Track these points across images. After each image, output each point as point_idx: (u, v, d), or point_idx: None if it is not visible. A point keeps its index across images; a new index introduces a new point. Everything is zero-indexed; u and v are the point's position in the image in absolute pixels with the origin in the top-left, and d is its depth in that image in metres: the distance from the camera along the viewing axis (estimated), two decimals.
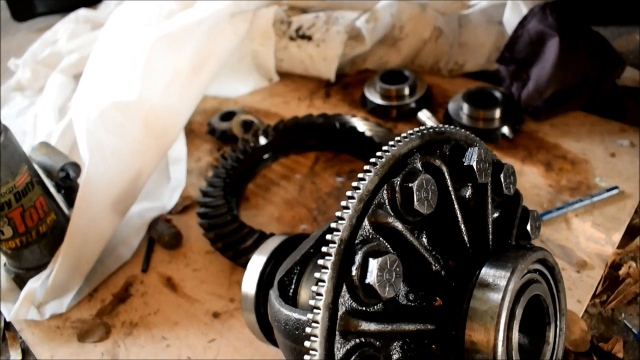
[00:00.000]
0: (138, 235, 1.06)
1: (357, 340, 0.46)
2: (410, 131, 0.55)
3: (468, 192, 0.57)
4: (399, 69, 1.34)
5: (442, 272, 0.52)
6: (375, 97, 1.30)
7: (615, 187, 1.01)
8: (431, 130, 0.56)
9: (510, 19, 1.25)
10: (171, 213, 1.12)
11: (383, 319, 0.47)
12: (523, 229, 0.63)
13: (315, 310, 0.45)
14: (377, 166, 0.50)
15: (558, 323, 0.58)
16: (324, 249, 0.47)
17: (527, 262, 0.51)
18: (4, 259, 1.00)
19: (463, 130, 0.60)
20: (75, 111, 1.05)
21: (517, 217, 0.62)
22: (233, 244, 0.95)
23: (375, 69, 1.42)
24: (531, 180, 1.07)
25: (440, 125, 0.58)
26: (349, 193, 0.49)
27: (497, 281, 0.49)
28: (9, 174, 0.87)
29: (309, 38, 1.37)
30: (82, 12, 1.86)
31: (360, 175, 0.50)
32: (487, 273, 0.50)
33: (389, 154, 0.51)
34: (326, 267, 0.46)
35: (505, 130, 1.15)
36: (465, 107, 1.17)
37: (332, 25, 1.35)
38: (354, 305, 0.47)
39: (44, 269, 0.96)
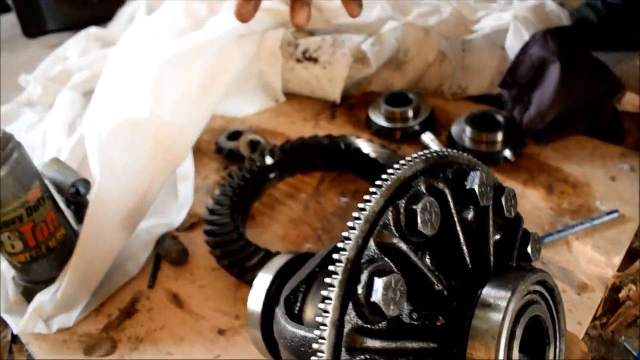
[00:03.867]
0: (146, 251, 1.08)
1: (363, 357, 0.48)
2: (415, 155, 0.57)
3: (470, 215, 0.58)
4: (403, 92, 1.36)
5: (445, 292, 0.53)
6: (380, 119, 1.32)
7: (616, 211, 1.02)
8: (435, 154, 0.58)
9: (513, 45, 1.28)
10: (178, 230, 1.13)
11: (388, 336, 0.49)
12: (524, 251, 0.65)
13: (322, 327, 0.47)
14: (383, 188, 0.52)
15: (558, 344, 0.59)
16: (331, 267, 0.49)
17: (527, 283, 0.53)
18: (12, 272, 1.02)
19: (466, 154, 0.62)
20: (87, 128, 1.07)
21: (518, 240, 0.63)
22: (239, 261, 0.97)
23: (380, 91, 1.44)
24: (533, 203, 1.08)
25: (444, 150, 0.60)
26: (355, 214, 0.51)
27: (498, 302, 0.50)
28: (21, 189, 0.89)
29: (316, 60, 1.39)
30: (93, 30, 1.89)
31: (366, 197, 0.52)
32: (489, 294, 0.52)
33: (395, 177, 0.53)
34: (333, 286, 0.48)
35: (507, 153, 1.17)
36: (469, 130, 1.19)
37: (339, 48, 1.38)
38: (360, 323, 0.48)
39: (52, 283, 0.97)
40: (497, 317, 0.50)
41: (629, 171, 1.12)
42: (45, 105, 1.64)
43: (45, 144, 1.42)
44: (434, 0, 1.48)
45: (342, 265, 0.48)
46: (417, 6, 1.47)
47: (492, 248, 0.58)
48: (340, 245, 0.50)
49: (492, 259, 0.58)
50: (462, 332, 0.51)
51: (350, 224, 0.51)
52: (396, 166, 0.54)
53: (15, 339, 1.00)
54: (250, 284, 0.78)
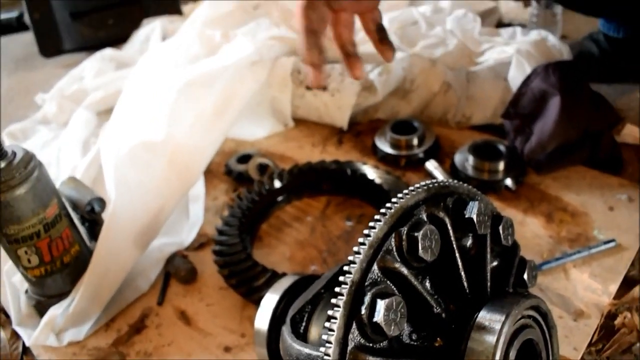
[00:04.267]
0: (156, 268, 1.11)
1: None
2: (417, 185, 0.61)
3: (469, 242, 0.62)
4: (409, 120, 1.39)
5: (443, 315, 0.57)
6: (385, 146, 1.35)
7: (613, 240, 1.05)
8: (436, 184, 0.62)
9: (515, 77, 1.31)
10: (188, 249, 1.16)
11: (388, 355, 0.52)
12: (520, 277, 0.68)
13: (327, 345, 0.50)
14: (387, 216, 0.56)
15: None
16: (336, 289, 0.52)
17: (521, 308, 0.56)
18: (25, 285, 1.05)
19: (466, 184, 0.66)
20: (105, 148, 1.11)
21: (514, 267, 0.67)
22: (246, 281, 1.00)
23: (386, 119, 1.48)
24: (532, 231, 1.11)
25: (445, 180, 0.63)
26: (360, 239, 0.55)
27: (493, 324, 0.54)
28: (40, 205, 0.92)
29: (325, 88, 1.43)
30: (108, 52, 1.94)
31: (371, 223, 0.56)
32: (484, 317, 0.55)
33: (398, 205, 0.57)
34: (338, 306, 0.51)
35: (508, 182, 1.20)
36: (471, 159, 1.23)
37: (347, 77, 1.41)
38: (362, 342, 0.52)
39: (64, 297, 1.00)
40: (491, 339, 0.53)
41: (626, 201, 1.15)
42: (60, 123, 1.68)
43: (59, 161, 1.45)
44: (440, 33, 1.53)
45: (347, 287, 0.52)
46: (423, 38, 1.52)
47: (488, 274, 0.61)
48: (345, 268, 0.53)
49: (488, 284, 0.61)
50: (459, 352, 0.54)
51: (355, 248, 0.54)
52: (399, 195, 0.58)
53: (26, 350, 1.03)
54: (256, 303, 0.81)
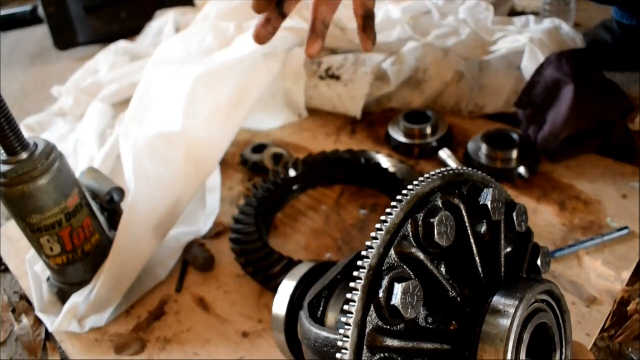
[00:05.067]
0: (174, 257, 1.13)
1: (382, 355, 0.53)
2: (433, 173, 0.62)
3: (483, 229, 0.63)
4: (422, 109, 1.40)
5: (458, 299, 0.58)
6: (399, 136, 1.36)
7: (626, 228, 1.05)
8: (451, 172, 0.63)
9: (528, 66, 1.31)
10: (205, 238, 1.18)
11: (405, 337, 0.54)
12: (534, 263, 0.69)
13: (346, 327, 0.52)
14: (403, 203, 0.57)
15: (563, 350, 0.63)
16: (355, 273, 0.54)
17: (535, 292, 0.57)
18: (47, 274, 1.07)
19: (480, 172, 0.67)
20: (123, 141, 1.13)
21: (528, 253, 0.68)
22: (263, 269, 1.01)
23: (399, 109, 1.49)
24: (546, 219, 1.12)
25: (460, 168, 0.64)
26: (378, 225, 0.56)
27: (507, 309, 0.55)
28: (62, 196, 0.94)
29: (338, 78, 1.44)
30: (122, 45, 1.96)
31: (388, 210, 0.57)
32: (498, 301, 0.56)
33: (414, 192, 0.58)
34: (357, 289, 0.53)
35: (522, 170, 1.20)
36: (484, 148, 1.23)
37: (360, 67, 1.43)
38: (380, 324, 0.53)
39: (85, 285, 1.03)
40: (505, 322, 0.54)
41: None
42: (77, 115, 1.71)
43: (76, 152, 1.48)
44: (453, 23, 1.53)
45: (365, 271, 0.53)
46: (436, 28, 1.52)
47: (503, 260, 0.63)
48: (363, 253, 0.55)
49: (502, 269, 0.62)
50: (473, 336, 0.55)
51: (372, 234, 0.56)
52: (415, 183, 0.59)
53: (48, 337, 1.06)
54: (273, 290, 0.82)
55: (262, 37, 0.94)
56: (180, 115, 1.12)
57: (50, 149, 0.94)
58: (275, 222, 1.22)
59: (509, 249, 0.67)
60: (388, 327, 0.53)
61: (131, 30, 2.21)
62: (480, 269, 0.60)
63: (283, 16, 0.94)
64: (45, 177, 0.91)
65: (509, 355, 0.53)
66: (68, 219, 0.96)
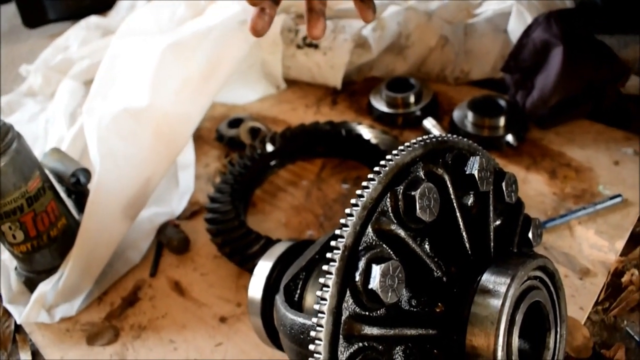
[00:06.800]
0: (147, 239, 1.08)
1: (361, 344, 0.48)
2: (414, 140, 0.56)
3: (470, 200, 0.58)
4: (405, 77, 1.35)
5: (444, 278, 0.53)
6: (381, 105, 1.31)
7: (619, 195, 1.02)
8: (434, 139, 0.57)
9: (515, 28, 1.26)
10: (179, 218, 1.13)
11: (386, 323, 0.49)
12: (525, 236, 0.65)
13: (319, 315, 0.47)
14: (381, 175, 0.52)
15: (558, 329, 0.59)
16: (328, 255, 0.48)
17: (527, 269, 0.52)
18: (15, 262, 1.02)
19: (466, 139, 0.62)
20: (87, 117, 1.07)
21: (518, 225, 0.63)
22: (240, 249, 0.97)
23: (381, 77, 1.43)
24: (535, 188, 1.08)
25: (443, 135, 0.59)
26: (353, 201, 0.51)
27: (498, 287, 0.50)
28: (21, 179, 0.89)
29: (316, 46, 1.38)
30: (93, 19, 1.89)
31: (364, 183, 0.52)
32: (488, 279, 0.52)
33: (393, 162, 0.53)
34: (330, 273, 0.47)
35: (510, 138, 1.16)
36: (470, 115, 1.19)
37: (339, 34, 1.37)
38: (358, 310, 0.48)
39: (54, 272, 0.98)
40: (496, 303, 0.49)
41: (632, 155, 1.11)
42: (47, 94, 1.65)
43: (47, 133, 1.42)
44: None
45: (339, 252, 0.48)
46: None
47: (492, 233, 0.58)
48: (337, 232, 0.49)
49: (492, 244, 0.58)
50: (461, 318, 0.51)
51: (347, 210, 0.50)
52: (394, 152, 0.54)
53: (18, 328, 1.01)
54: (251, 271, 0.78)
55: (260, 28, 0.88)
56: (148, 88, 1.06)
57: (6, 129, 0.88)
58: (254, 199, 1.17)
59: (498, 222, 0.62)
60: (366, 314, 0.49)
61: (103, 5, 2.13)
62: (467, 244, 0.55)
63: (277, 2, 0.88)
64: (2, 159, 0.86)
65: (500, 339, 0.49)
66: (30, 204, 0.91)
